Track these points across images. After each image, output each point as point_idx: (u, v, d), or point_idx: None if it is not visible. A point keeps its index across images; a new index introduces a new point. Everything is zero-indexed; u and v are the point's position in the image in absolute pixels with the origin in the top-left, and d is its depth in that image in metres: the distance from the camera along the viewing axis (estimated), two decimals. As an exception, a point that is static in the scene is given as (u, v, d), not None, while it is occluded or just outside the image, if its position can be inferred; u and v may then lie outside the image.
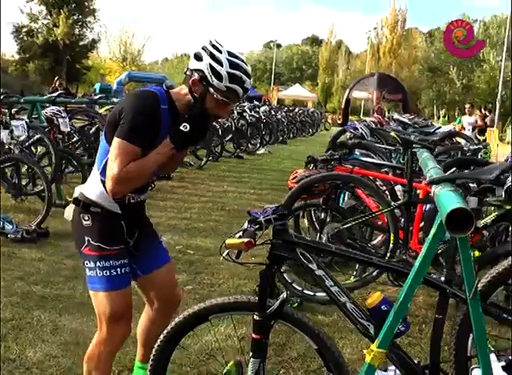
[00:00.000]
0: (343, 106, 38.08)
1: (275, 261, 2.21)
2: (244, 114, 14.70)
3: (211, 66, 2.30)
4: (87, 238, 2.45)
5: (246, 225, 2.16)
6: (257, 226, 2.16)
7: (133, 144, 2.28)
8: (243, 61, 2.36)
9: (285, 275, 4.27)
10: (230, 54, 2.33)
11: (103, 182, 2.41)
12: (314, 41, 77.61)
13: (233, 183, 9.88)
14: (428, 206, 4.26)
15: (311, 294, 4.23)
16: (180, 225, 6.64)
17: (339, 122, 34.63)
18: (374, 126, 8.18)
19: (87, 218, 2.46)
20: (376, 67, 46.18)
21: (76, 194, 2.54)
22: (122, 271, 2.45)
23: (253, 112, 15.47)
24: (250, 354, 2.22)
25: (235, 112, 13.89)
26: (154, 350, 2.35)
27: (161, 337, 2.34)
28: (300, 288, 4.27)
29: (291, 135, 21.16)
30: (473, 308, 2.10)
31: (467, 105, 13.85)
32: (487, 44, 43.81)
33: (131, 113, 2.28)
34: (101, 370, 2.53)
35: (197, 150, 10.92)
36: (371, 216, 4.31)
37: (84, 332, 3.53)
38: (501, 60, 43.06)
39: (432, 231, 2.14)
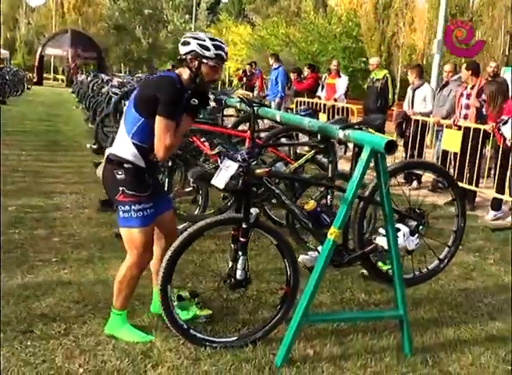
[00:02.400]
0: (37, 64, 36.62)
1: (248, 186, 3.27)
2: None
3: (198, 43, 3.15)
4: (121, 188, 3.18)
5: (228, 163, 3.01)
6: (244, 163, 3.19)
7: (173, 120, 3.12)
8: (217, 38, 3.26)
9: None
10: (206, 35, 3.24)
11: (135, 144, 3.19)
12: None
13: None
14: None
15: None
16: None
17: (34, 80, 33.25)
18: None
19: (120, 173, 3.18)
20: (62, 23, 44.90)
21: (109, 154, 3.27)
22: (150, 211, 3.24)
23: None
24: (240, 253, 3.27)
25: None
26: (164, 262, 3.19)
27: (169, 252, 3.20)
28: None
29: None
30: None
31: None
32: (170, 6, 46.25)
33: (168, 96, 3.08)
34: (130, 288, 3.35)
35: None
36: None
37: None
38: (184, 22, 46.05)
39: (364, 157, 3.13)
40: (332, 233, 3.12)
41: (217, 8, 57.15)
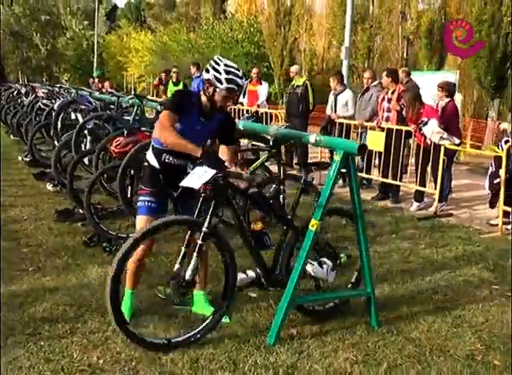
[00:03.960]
0: None
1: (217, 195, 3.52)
2: None
3: (214, 75, 3.60)
4: (140, 185, 3.95)
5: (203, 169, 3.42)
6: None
7: (172, 111, 3.63)
8: (235, 68, 3.64)
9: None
10: (226, 65, 3.62)
11: (152, 147, 3.87)
12: None
13: None
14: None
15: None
16: None
17: None
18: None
19: (142, 171, 4.00)
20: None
21: None
22: (154, 206, 3.82)
23: None
24: (195, 255, 3.45)
25: None
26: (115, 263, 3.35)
27: (120, 253, 3.36)
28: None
29: None
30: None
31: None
32: (68, 12, 45.17)
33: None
34: (131, 272, 3.84)
35: None
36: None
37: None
38: (84, 28, 45.05)
39: (338, 159, 3.65)
40: (314, 224, 3.64)
41: (115, 15, 56.41)
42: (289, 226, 3.95)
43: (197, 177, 3.37)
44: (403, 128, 7.88)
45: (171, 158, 3.81)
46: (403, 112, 7.85)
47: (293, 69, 10.73)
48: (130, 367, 3.32)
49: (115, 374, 3.25)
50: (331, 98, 9.49)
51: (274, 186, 5.43)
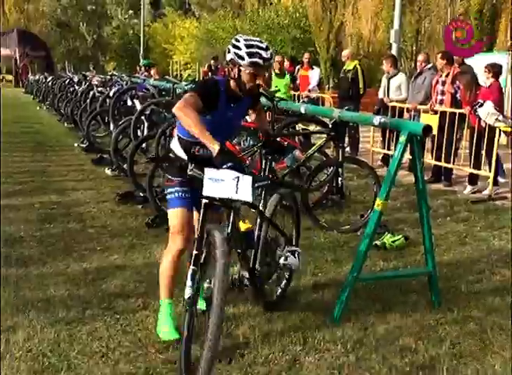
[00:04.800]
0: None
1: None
2: None
3: (235, 52, 3.23)
4: (166, 176, 3.58)
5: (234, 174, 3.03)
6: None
7: (197, 94, 3.23)
8: (258, 40, 3.26)
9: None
10: (246, 39, 3.25)
11: (178, 137, 3.50)
12: None
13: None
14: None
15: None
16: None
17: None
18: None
19: (167, 161, 3.67)
20: (4, 23, 43.80)
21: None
22: (184, 195, 3.42)
23: None
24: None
25: None
26: None
27: None
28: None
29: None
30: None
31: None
32: (113, 1, 45.82)
33: (199, 83, 3.73)
34: (166, 276, 3.51)
35: None
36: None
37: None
38: (128, 17, 45.65)
39: (403, 141, 3.72)
40: (379, 204, 3.72)
41: (159, 3, 56.84)
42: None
43: (233, 186, 2.98)
44: (457, 111, 7.83)
45: (201, 151, 3.38)
46: (457, 95, 7.79)
47: (345, 53, 10.75)
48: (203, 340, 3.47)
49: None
50: (384, 81, 9.48)
51: (332, 169, 5.52)
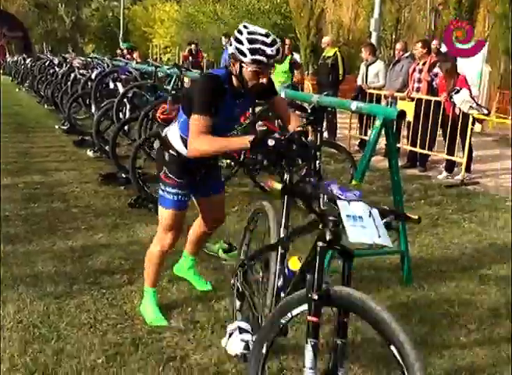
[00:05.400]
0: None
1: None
2: None
3: (236, 47, 2.89)
4: (165, 168, 3.35)
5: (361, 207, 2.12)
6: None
7: (205, 115, 2.94)
8: (262, 34, 2.88)
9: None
10: (250, 32, 2.87)
11: (181, 137, 3.26)
12: None
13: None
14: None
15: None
16: None
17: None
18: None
19: (167, 155, 3.35)
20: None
21: (164, 132, 3.43)
22: (183, 198, 3.39)
23: None
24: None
25: None
26: None
27: None
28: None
29: None
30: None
31: None
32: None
33: (199, 94, 2.99)
34: (152, 265, 3.58)
35: None
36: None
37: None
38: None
39: (378, 125, 3.91)
40: (354, 185, 3.92)
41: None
42: None
43: (373, 226, 2.08)
44: (433, 98, 8.06)
45: None
46: (434, 83, 8.02)
47: (325, 40, 10.92)
48: (187, 312, 3.65)
49: (173, 318, 3.58)
50: (362, 68, 9.69)
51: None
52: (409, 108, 8.23)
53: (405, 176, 7.98)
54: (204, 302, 3.76)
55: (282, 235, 2.82)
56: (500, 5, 16.08)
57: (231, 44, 2.94)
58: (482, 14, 18.23)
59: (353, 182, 3.94)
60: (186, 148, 3.14)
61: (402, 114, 3.76)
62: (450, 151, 7.94)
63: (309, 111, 5.73)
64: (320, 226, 2.21)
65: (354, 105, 4.06)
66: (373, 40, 13.46)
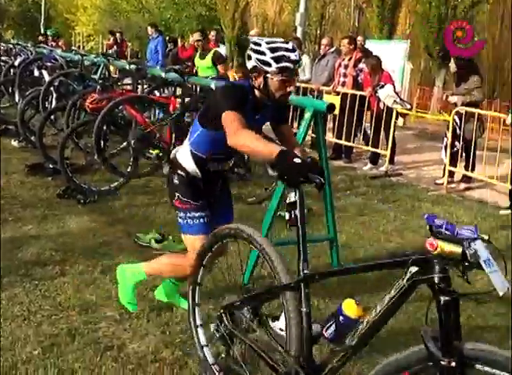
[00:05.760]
0: None
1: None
2: None
3: (257, 59, 2.77)
4: (177, 194, 3.16)
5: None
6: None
7: (239, 111, 2.72)
8: (281, 42, 2.85)
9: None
10: (268, 42, 2.81)
11: (192, 153, 3.11)
12: None
13: None
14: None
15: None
16: None
17: None
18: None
19: (175, 178, 3.18)
20: None
21: (172, 154, 3.26)
22: (207, 219, 3.16)
23: None
24: None
25: None
26: None
27: None
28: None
29: None
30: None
31: None
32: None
33: (230, 95, 2.85)
34: (171, 272, 3.45)
35: None
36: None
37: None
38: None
39: (307, 117, 4.04)
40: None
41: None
42: None
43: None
44: (358, 93, 8.35)
45: (216, 165, 3.20)
46: (359, 78, 8.31)
47: (252, 33, 11.03)
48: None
49: (108, 308, 3.59)
50: (288, 62, 9.82)
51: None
52: (335, 101, 8.47)
53: (331, 168, 8.14)
54: (139, 292, 3.77)
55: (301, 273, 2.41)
56: (421, 4, 16.75)
57: (250, 58, 2.82)
58: (404, 12, 18.90)
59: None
60: (198, 165, 3.11)
61: (331, 107, 3.91)
62: (374, 144, 8.25)
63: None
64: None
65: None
66: (298, 34, 13.67)
